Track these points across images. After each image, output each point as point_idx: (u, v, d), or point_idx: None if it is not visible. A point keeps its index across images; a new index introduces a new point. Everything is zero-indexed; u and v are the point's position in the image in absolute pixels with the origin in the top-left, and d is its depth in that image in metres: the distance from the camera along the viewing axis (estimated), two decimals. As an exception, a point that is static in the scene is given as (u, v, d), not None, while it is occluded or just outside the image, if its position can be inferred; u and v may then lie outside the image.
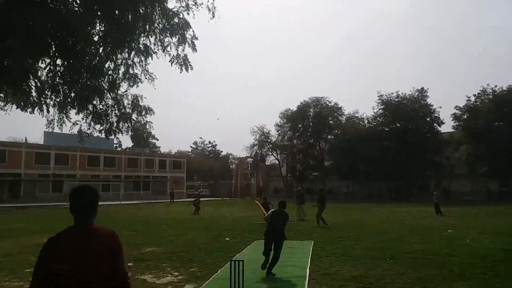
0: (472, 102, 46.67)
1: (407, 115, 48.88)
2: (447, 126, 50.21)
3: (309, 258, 9.71)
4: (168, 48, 6.70)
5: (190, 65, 6.84)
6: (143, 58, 6.62)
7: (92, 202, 2.57)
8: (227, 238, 13.52)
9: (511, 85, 44.26)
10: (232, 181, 73.93)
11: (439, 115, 49.68)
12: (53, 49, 6.07)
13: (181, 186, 68.52)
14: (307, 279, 7.63)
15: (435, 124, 49.80)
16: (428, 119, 49.48)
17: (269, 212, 9.61)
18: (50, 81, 6.54)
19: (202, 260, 9.78)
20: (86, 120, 6.85)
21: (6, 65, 5.31)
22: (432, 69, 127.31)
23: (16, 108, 6.23)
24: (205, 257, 10.08)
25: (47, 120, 6.78)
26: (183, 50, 6.77)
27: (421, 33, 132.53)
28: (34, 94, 6.22)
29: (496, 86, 45.67)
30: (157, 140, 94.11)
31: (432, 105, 49.80)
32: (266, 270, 8.12)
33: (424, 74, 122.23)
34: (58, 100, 6.56)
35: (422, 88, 50.58)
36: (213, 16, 6.66)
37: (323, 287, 7.10)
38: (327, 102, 59.11)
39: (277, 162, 66.79)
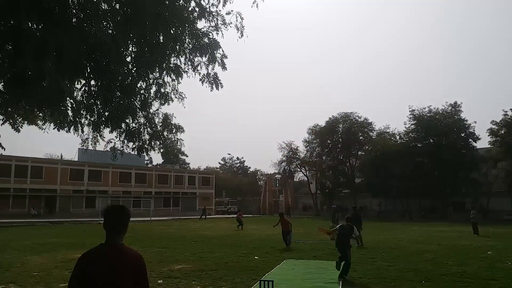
0: (509, 116, 44.82)
1: (440, 130, 47.50)
2: (483, 142, 48.43)
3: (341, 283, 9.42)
4: (198, 68, 6.80)
5: (220, 83, 6.91)
6: (174, 77, 6.74)
7: (122, 222, 2.80)
8: (256, 257, 13.37)
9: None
10: (260, 198, 73.65)
11: (474, 130, 48.07)
12: (88, 70, 6.27)
13: (210, 202, 68.90)
14: (338, 301, 7.39)
15: (470, 140, 48.09)
16: (462, 135, 47.90)
17: (337, 227, 11.79)
18: (85, 101, 6.75)
19: (232, 279, 9.68)
20: (119, 138, 7.01)
21: (44, 87, 5.52)
22: (466, 82, 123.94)
23: (54, 128, 6.45)
24: (234, 276, 9.98)
25: (81, 139, 6.98)
26: (213, 69, 6.85)
27: (454, 45, 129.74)
28: (70, 114, 6.43)
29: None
30: (187, 156, 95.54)
31: (466, 120, 48.32)
32: (339, 274, 9.73)
33: (457, 88, 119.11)
34: (92, 119, 6.75)
35: (455, 103, 49.26)
36: (242, 35, 6.72)
37: (356, 310, 6.84)
38: (357, 118, 58.29)
39: (306, 179, 66.06)
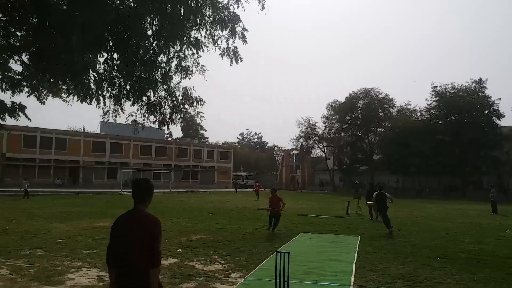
0: (537, 94, 43.36)
1: (463, 107, 46.28)
2: (508, 120, 47.13)
3: (356, 254, 9.57)
4: (219, 41, 6.79)
5: (240, 57, 6.90)
6: (194, 51, 6.77)
7: (144, 192, 3.40)
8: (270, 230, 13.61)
9: None
10: (277, 173, 74.06)
11: (498, 107, 46.64)
12: (110, 44, 6.36)
13: (228, 176, 69.72)
14: (353, 274, 7.54)
15: (493, 117, 46.78)
16: (486, 112, 46.58)
17: (374, 195, 15.09)
18: (107, 74, 6.88)
19: (248, 250, 9.93)
20: (140, 111, 7.14)
21: (68, 60, 5.65)
22: (491, 58, 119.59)
23: (77, 100, 6.62)
24: (251, 247, 10.23)
25: (103, 111, 7.14)
26: (234, 43, 6.84)
27: (478, 19, 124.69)
28: (92, 86, 6.57)
29: None
30: (205, 131, 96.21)
31: (490, 97, 46.88)
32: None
33: (482, 64, 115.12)
34: (114, 92, 6.89)
35: (480, 79, 47.71)
36: (263, 8, 6.66)
37: (370, 283, 6.98)
38: (377, 94, 57.23)
39: (323, 155, 65.90)
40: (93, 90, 6.85)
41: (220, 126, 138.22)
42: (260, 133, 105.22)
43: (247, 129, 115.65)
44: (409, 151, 46.63)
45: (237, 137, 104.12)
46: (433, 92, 49.76)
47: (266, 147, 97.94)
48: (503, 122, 47.19)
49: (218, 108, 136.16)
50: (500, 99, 47.46)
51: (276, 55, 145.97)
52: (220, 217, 18.10)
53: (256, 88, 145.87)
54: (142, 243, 3.14)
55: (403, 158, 47.88)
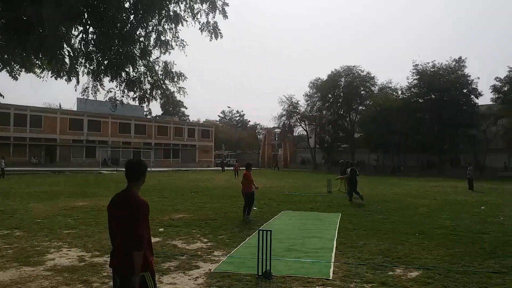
0: (514, 73, 44.27)
1: (443, 86, 46.91)
2: (486, 99, 48.09)
3: (336, 231, 9.70)
4: (198, 16, 6.56)
5: (220, 33, 6.68)
6: (173, 25, 6.53)
7: (136, 172, 3.41)
8: (254, 208, 13.65)
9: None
10: (259, 151, 74.30)
11: (477, 86, 47.66)
12: (85, 16, 6.06)
13: (209, 155, 69.54)
14: (334, 251, 7.65)
15: (472, 96, 47.74)
16: (465, 91, 47.44)
17: (348, 170, 17.15)
18: (83, 49, 6.59)
19: (231, 228, 9.96)
20: (119, 87, 6.90)
21: (40, 33, 5.36)
22: (472, 37, 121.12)
23: (51, 76, 6.34)
24: (233, 226, 10.26)
25: (82, 87, 6.88)
26: (214, 17, 6.61)
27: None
28: (67, 61, 6.29)
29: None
30: (186, 108, 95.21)
31: (469, 76, 47.72)
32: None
33: (463, 43, 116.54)
34: (91, 67, 6.62)
35: (460, 58, 48.35)
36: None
37: (350, 259, 7.09)
38: (359, 71, 57.43)
39: (305, 133, 66.24)
40: (69, 66, 6.56)
41: (201, 105, 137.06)
42: (242, 111, 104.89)
43: (228, 107, 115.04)
44: (389, 129, 47.29)
45: (219, 115, 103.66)
46: (414, 71, 50.26)
47: (248, 125, 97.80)
48: (480, 101, 48.37)
49: (199, 86, 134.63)
50: (478, 78, 48.59)
51: (259, 33, 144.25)
52: (202, 196, 18.07)
53: (238, 65, 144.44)
54: (122, 223, 3.17)
55: (383, 136, 48.57)
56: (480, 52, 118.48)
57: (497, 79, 44.85)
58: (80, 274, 5.96)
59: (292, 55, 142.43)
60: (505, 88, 44.15)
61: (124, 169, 3.46)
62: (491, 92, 45.42)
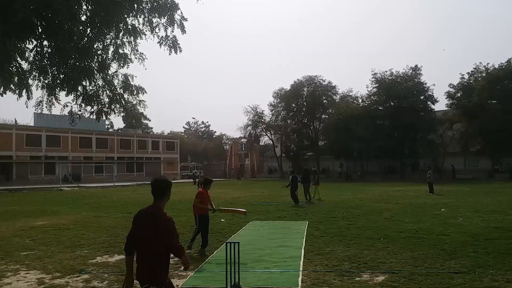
0: (465, 80, 46.62)
1: (401, 93, 48.58)
2: (441, 104, 50.29)
3: (304, 239, 9.77)
4: (157, 30, 6.50)
5: (179, 47, 6.65)
6: (132, 39, 6.43)
7: (160, 189, 3.75)
8: (222, 220, 13.55)
9: (503, 63, 44.18)
10: (226, 162, 73.95)
11: (433, 93, 49.52)
12: (39, 30, 5.86)
13: (175, 167, 68.50)
14: (302, 259, 7.68)
15: (428, 102, 49.65)
16: (422, 97, 49.30)
17: (290, 177, 19.21)
18: (38, 63, 6.36)
19: (198, 242, 9.77)
20: (76, 101, 6.70)
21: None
22: (427, 46, 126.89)
23: (2, 92, 6.06)
24: (200, 239, 10.08)
25: (36, 101, 6.63)
26: (172, 32, 6.57)
27: (415, 10, 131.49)
28: (17, 76, 6.04)
29: (488, 64, 45.66)
30: (149, 120, 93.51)
31: (425, 83, 49.58)
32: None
33: (418, 52, 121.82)
34: (46, 81, 6.39)
35: (416, 66, 50.25)
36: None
37: (318, 267, 7.14)
38: (321, 81, 58.63)
39: (271, 142, 66.69)
40: (22, 80, 6.31)
41: (165, 116, 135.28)
42: (208, 122, 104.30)
43: (193, 118, 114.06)
44: (351, 136, 48.40)
45: (183, 127, 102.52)
46: (373, 79, 51.79)
47: (214, 136, 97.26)
48: (437, 107, 50.42)
49: (162, 97, 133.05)
50: (434, 85, 50.63)
51: (222, 42, 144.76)
52: (168, 210, 17.53)
53: (202, 76, 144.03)
54: (149, 236, 3.47)
55: (346, 143, 49.63)
56: (435, 60, 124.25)
57: (451, 86, 47.08)
58: (39, 299, 5.66)
59: (256, 64, 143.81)
60: (459, 94, 46.37)
61: (150, 187, 3.79)
62: (446, 98, 47.57)
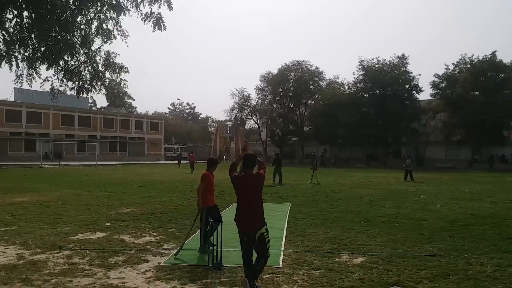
0: (450, 70, 47.17)
1: (387, 81, 48.99)
2: (426, 94, 50.88)
3: (286, 220, 9.87)
4: (142, 6, 6.32)
5: (164, 25, 6.47)
6: (115, 14, 6.24)
7: (253, 161, 5.14)
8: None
9: (487, 55, 44.76)
10: (211, 144, 73.75)
11: (418, 82, 50.11)
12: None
13: (159, 148, 68.04)
14: (283, 240, 7.77)
15: (413, 92, 50.22)
16: (407, 86, 49.80)
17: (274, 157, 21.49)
18: (18, 34, 6.14)
19: (181, 221, 9.81)
20: (57, 76, 6.51)
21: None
22: (415, 36, 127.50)
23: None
24: (184, 219, 10.11)
25: (16, 75, 6.43)
26: (158, 8, 6.39)
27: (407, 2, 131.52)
28: (1, 46, 5.85)
29: (473, 55, 46.21)
30: (133, 100, 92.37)
31: (411, 72, 50.05)
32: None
33: (406, 41, 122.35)
34: (27, 54, 6.19)
35: (403, 55, 50.56)
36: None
37: (299, 247, 7.24)
38: (308, 66, 58.57)
39: (257, 126, 66.65)
40: (3, 51, 6.10)
41: (150, 96, 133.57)
42: (193, 103, 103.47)
43: (178, 99, 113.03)
44: (337, 123, 48.73)
45: (168, 108, 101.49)
46: (360, 66, 51.97)
47: (199, 118, 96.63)
48: (421, 96, 51.03)
49: (147, 76, 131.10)
50: (420, 74, 51.11)
51: (210, 23, 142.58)
52: (151, 189, 17.65)
53: (188, 57, 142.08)
54: (257, 190, 5.07)
55: (331, 129, 50.01)
56: (421, 50, 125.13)
57: (436, 76, 47.62)
58: (19, 273, 5.61)
59: (244, 47, 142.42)
60: (443, 85, 46.94)
61: (243, 161, 5.10)
62: (431, 88, 48.16)
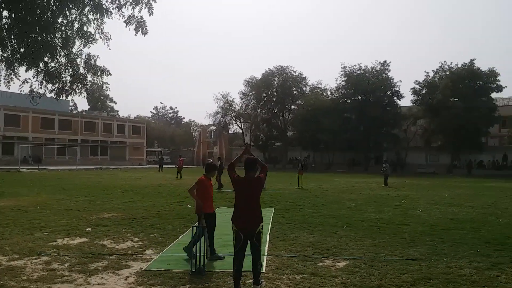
0: (430, 77, 48.14)
1: (368, 87, 49.69)
2: (406, 100, 51.69)
3: (270, 225, 9.85)
4: (124, 9, 6.26)
5: (146, 28, 6.43)
6: (98, 16, 6.17)
7: (254, 166, 5.42)
8: (188, 205, 13.46)
9: (465, 63, 45.81)
10: (194, 149, 73.29)
11: (399, 89, 50.98)
12: (-1, -1, 5.53)
13: (141, 153, 67.26)
14: (267, 244, 7.75)
15: (395, 98, 51.06)
16: (388, 93, 50.62)
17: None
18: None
19: (163, 226, 9.70)
20: (37, 78, 6.37)
21: None
22: (396, 43, 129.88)
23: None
24: (166, 224, 10.00)
25: (-7, 75, 6.27)
26: (140, 11, 6.34)
27: (389, 7, 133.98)
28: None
29: (451, 63, 47.32)
30: (115, 103, 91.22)
31: (393, 79, 50.90)
32: None
33: (388, 48, 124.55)
34: (5, 55, 6.05)
35: (385, 61, 51.43)
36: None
37: (282, 252, 7.25)
38: (292, 72, 58.86)
39: (241, 131, 66.60)
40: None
41: (132, 100, 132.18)
42: (176, 107, 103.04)
43: (161, 103, 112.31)
44: (319, 128, 49.11)
45: (151, 111, 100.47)
46: (343, 73, 52.56)
47: (182, 122, 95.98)
48: (402, 103, 51.90)
49: (129, 79, 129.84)
50: (401, 81, 51.98)
51: (194, 27, 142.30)
52: (133, 194, 17.41)
53: (172, 60, 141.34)
54: (258, 192, 5.52)
55: (314, 134, 50.35)
56: (402, 56, 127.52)
57: (416, 83, 48.53)
58: (-5, 280, 5.44)
59: (227, 51, 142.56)
60: (423, 91, 47.88)
61: (244, 165, 5.37)
62: (411, 95, 49.04)
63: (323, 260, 6.69)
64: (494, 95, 45.37)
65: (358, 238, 8.47)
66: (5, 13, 5.85)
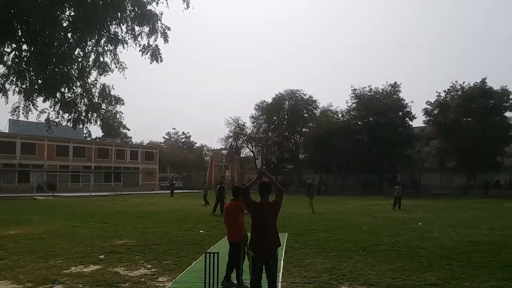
0: (442, 97, 47.93)
1: (380, 109, 49.58)
2: (419, 121, 51.36)
3: (283, 250, 9.72)
4: (140, 38, 6.47)
5: (161, 57, 6.61)
6: (112, 47, 6.38)
7: (269, 189, 5.33)
8: (201, 231, 13.41)
9: (477, 82, 45.56)
10: (206, 173, 73.43)
11: (411, 109, 50.64)
12: (19, 33, 5.77)
13: (154, 178, 67.60)
14: (281, 271, 7.63)
15: (407, 119, 50.75)
16: (400, 114, 50.37)
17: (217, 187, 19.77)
18: (16, 67, 6.23)
19: (176, 252, 9.66)
20: (54, 108, 6.56)
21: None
22: (406, 64, 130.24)
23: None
24: (179, 250, 9.95)
25: (13, 107, 6.47)
26: (155, 40, 6.54)
27: (397, 28, 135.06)
28: (-2, 79, 5.92)
29: (464, 82, 47.15)
30: (128, 130, 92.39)
31: (404, 100, 50.69)
32: None
33: (398, 69, 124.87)
34: (24, 86, 6.26)
35: (395, 83, 51.42)
36: (188, 7, 6.44)
37: (297, 278, 7.13)
38: (302, 95, 59.25)
39: (252, 154, 66.72)
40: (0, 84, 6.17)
41: (145, 126, 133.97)
42: (188, 132, 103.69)
43: (174, 129, 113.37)
44: (331, 150, 48.93)
45: (164, 137, 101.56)
46: (353, 95, 52.68)
47: (194, 147, 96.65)
48: (414, 123, 51.55)
49: (143, 107, 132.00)
50: (412, 101, 51.69)
51: (205, 56, 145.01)
52: (145, 220, 17.43)
53: (184, 88, 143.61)
54: (274, 216, 5.37)
55: (326, 157, 50.12)
56: (413, 77, 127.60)
57: (428, 103, 48.31)
58: (9, 310, 5.46)
59: (238, 76, 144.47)
60: (435, 111, 47.60)
61: (259, 189, 5.30)
62: (423, 115, 48.74)
63: (339, 287, 6.56)
64: (508, 114, 44.92)
65: (374, 263, 8.30)
66: (24, 46, 6.07)
